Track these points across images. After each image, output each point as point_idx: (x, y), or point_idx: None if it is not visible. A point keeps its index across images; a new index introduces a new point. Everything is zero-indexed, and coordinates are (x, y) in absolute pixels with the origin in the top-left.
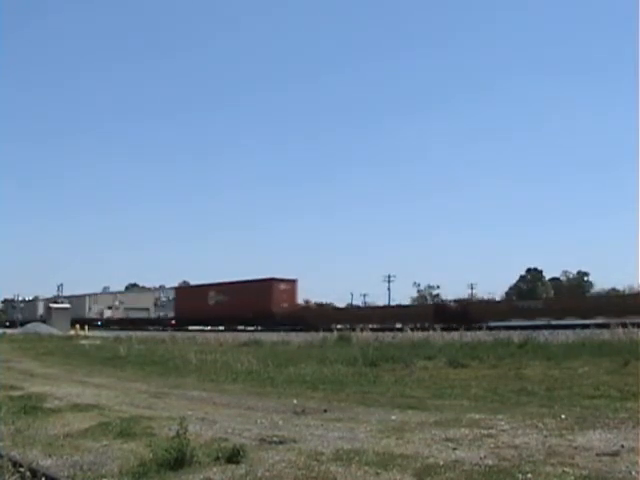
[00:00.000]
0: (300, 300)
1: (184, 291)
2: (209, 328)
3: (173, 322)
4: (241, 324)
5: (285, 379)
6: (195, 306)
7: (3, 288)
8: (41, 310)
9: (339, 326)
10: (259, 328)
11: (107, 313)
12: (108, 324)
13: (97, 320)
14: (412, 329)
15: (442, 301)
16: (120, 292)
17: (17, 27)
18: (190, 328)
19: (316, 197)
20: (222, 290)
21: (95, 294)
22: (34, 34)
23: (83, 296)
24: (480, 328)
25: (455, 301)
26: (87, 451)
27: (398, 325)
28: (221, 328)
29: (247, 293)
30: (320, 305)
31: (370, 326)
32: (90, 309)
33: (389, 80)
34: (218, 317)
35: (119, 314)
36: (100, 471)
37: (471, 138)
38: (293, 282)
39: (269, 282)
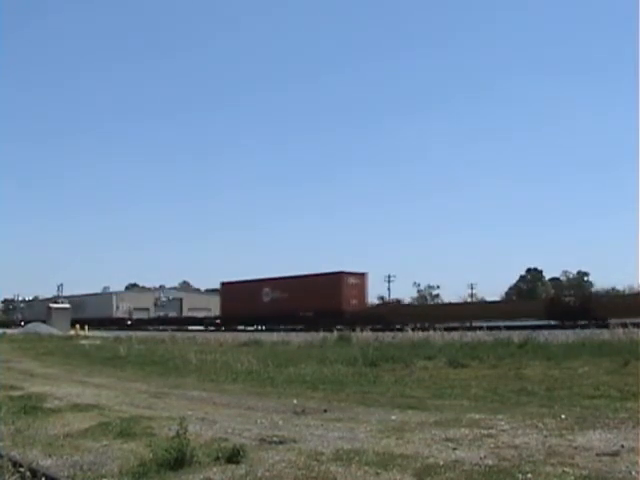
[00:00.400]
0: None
1: (232, 287)
2: (264, 328)
3: (217, 322)
4: (303, 323)
5: (285, 379)
6: (246, 304)
7: (3, 288)
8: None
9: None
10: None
11: (137, 313)
12: (139, 324)
13: (127, 320)
14: (412, 329)
15: (557, 294)
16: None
17: (17, 27)
18: (239, 328)
19: (316, 197)
20: (280, 285)
21: (122, 291)
22: (34, 34)
23: (109, 294)
24: (605, 326)
25: (572, 294)
26: (87, 451)
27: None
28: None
29: (311, 289)
30: (397, 302)
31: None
32: (118, 308)
33: (389, 80)
34: (274, 316)
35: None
36: (100, 471)
37: (471, 138)
38: (362, 275)
39: (338, 276)
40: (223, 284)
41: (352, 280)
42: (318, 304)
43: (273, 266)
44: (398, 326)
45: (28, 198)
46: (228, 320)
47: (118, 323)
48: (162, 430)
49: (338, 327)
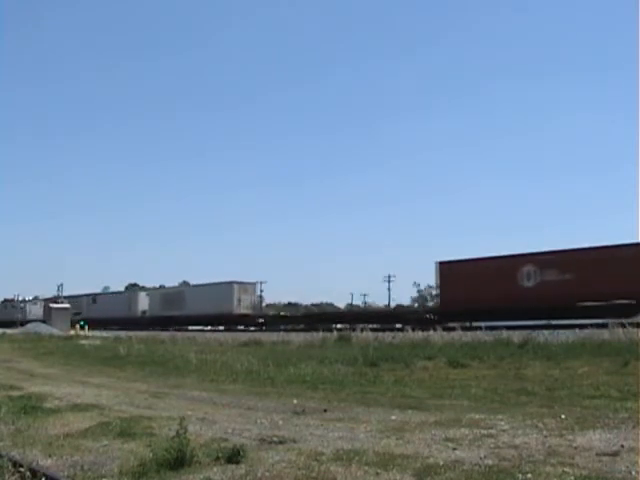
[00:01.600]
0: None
1: (462, 267)
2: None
3: (430, 317)
4: (591, 316)
5: (285, 379)
6: (488, 290)
7: (3, 288)
8: (145, 305)
9: None
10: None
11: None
12: (276, 322)
13: (256, 317)
14: (412, 329)
15: None
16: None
17: (15, 25)
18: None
19: (316, 197)
20: (558, 262)
21: (243, 282)
22: (33, 33)
23: (230, 284)
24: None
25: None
26: (87, 451)
27: (398, 325)
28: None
29: (619, 265)
30: None
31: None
32: (239, 302)
33: (390, 80)
34: (541, 307)
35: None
36: (100, 471)
37: (471, 138)
38: None
39: None
40: (442, 264)
41: None
42: (621, 289)
43: (271, 267)
44: None
45: (28, 198)
46: (451, 314)
47: (242, 322)
48: (162, 430)
49: None
